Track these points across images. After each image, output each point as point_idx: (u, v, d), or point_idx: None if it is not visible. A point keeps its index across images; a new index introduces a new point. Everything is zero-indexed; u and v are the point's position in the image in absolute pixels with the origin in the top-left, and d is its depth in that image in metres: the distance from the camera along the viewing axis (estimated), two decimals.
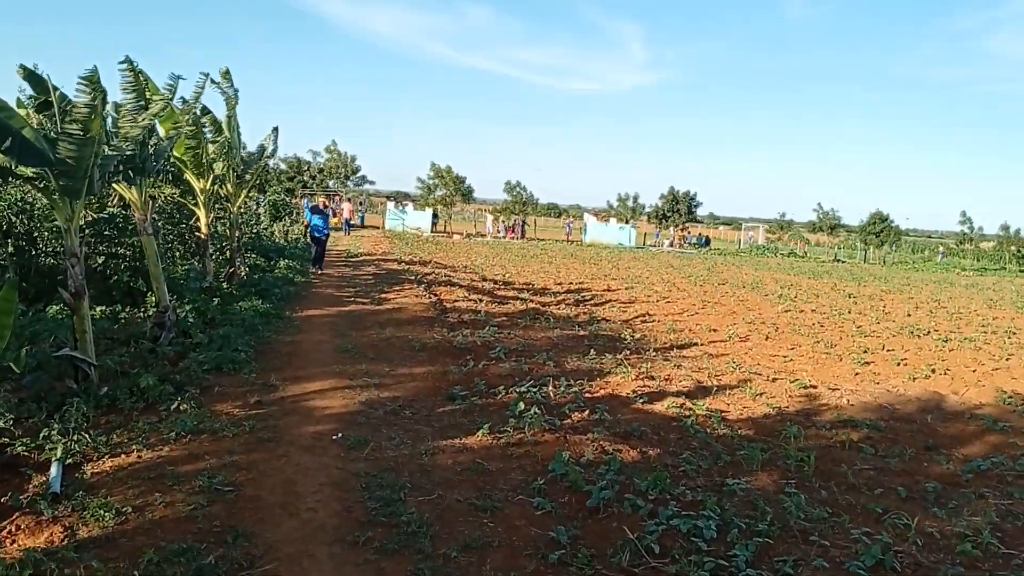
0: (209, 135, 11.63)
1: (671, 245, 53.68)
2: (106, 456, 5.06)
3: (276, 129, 14.00)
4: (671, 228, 60.59)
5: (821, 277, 31.05)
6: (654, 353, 10.81)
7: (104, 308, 9.68)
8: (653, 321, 14.17)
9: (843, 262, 52.14)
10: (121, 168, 8.17)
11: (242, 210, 22.92)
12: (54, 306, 9.36)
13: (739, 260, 42.31)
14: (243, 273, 14.62)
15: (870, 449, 6.77)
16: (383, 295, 14.62)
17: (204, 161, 10.84)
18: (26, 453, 4.94)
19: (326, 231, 19.21)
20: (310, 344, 9.54)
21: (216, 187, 12.08)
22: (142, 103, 7.68)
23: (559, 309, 14.70)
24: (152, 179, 9.15)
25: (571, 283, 20.56)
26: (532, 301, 15.69)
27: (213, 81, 11.85)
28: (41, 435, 5.08)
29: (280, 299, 12.69)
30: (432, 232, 46.54)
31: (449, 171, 54.18)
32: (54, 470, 4.65)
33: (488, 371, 8.62)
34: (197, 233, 12.03)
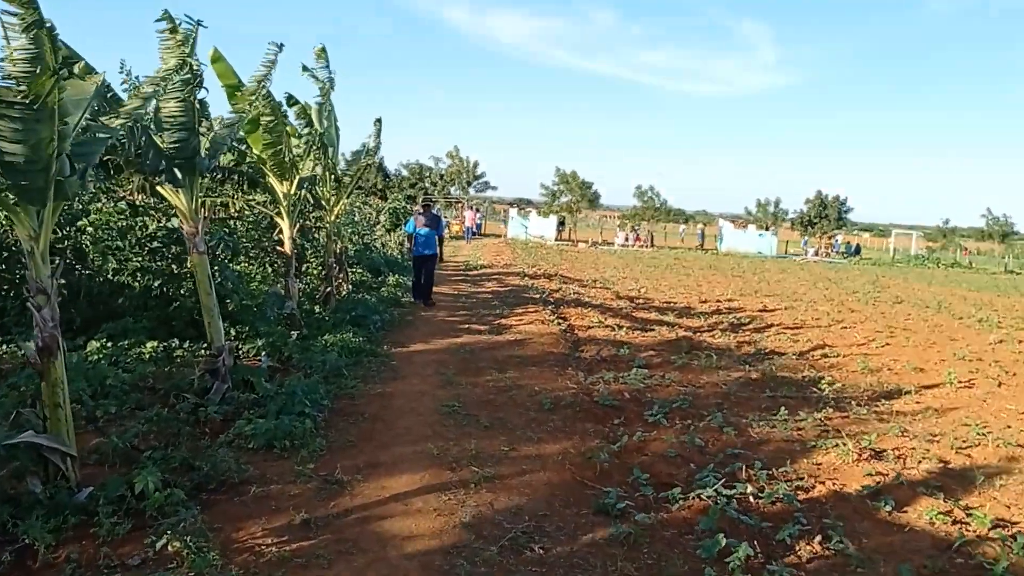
0: (296, 127, 9.57)
1: (816, 254, 49.03)
2: None
3: (379, 121, 11.75)
4: (836, 235, 56.02)
5: (1011, 293, 26.50)
6: (861, 408, 8.03)
7: (157, 344, 7.73)
8: (836, 356, 11.19)
9: (1017, 273, 46.24)
10: (164, 165, 6.15)
11: (354, 218, 21.33)
12: (95, 342, 7.48)
13: (900, 271, 37.64)
14: (345, 291, 12.63)
15: None
16: (503, 320, 12.20)
17: (286, 160, 8.72)
18: None
19: (432, 250, 13.13)
20: (405, 399, 7.14)
21: (303, 191, 9.96)
22: (188, 75, 5.62)
23: (714, 337, 11.96)
24: (203, 179, 7.05)
25: (718, 300, 17.62)
26: (679, 326, 12.99)
27: (306, 68, 9.81)
28: None
29: (379, 327, 10.43)
30: (556, 240, 43.99)
31: (575, 176, 51.90)
32: None
33: (648, 448, 6.02)
34: (280, 248, 9.97)
